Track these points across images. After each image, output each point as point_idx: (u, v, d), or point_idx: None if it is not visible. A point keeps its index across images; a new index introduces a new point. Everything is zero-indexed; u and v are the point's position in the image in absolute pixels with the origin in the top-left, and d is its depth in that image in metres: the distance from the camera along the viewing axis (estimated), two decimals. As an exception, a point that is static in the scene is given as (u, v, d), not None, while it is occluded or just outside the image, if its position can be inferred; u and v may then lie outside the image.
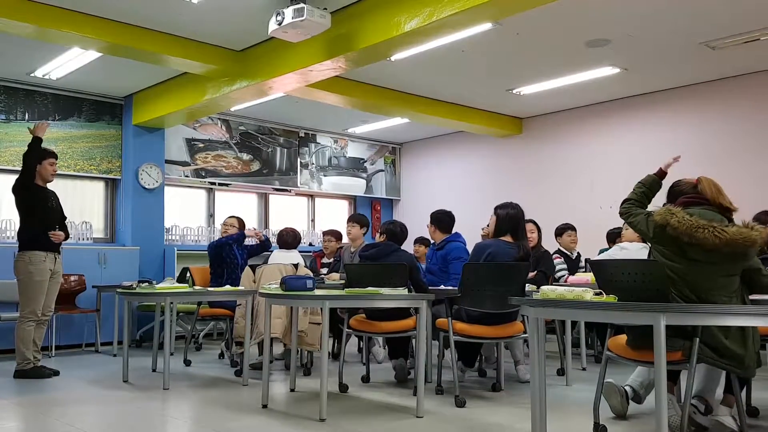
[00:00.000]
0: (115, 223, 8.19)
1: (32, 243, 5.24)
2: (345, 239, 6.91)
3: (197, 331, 7.42)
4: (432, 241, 5.81)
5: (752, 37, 6.08)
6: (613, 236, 6.25)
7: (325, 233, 7.23)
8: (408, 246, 7.93)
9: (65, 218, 5.64)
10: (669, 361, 2.90)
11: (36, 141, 5.29)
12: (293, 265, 5.55)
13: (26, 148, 5.31)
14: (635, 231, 3.49)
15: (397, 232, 5.08)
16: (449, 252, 5.46)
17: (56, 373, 5.38)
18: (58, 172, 7.51)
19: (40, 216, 5.31)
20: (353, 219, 6.53)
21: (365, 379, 5.13)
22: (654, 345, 2.57)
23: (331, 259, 7.03)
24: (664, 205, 3.31)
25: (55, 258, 5.39)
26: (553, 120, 9.00)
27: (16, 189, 5.31)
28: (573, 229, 6.73)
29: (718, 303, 3.05)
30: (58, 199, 5.60)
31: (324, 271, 6.81)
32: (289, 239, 5.94)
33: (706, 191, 3.30)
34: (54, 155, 5.50)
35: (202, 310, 6.24)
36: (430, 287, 5.22)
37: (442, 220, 5.58)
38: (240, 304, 5.52)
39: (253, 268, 5.69)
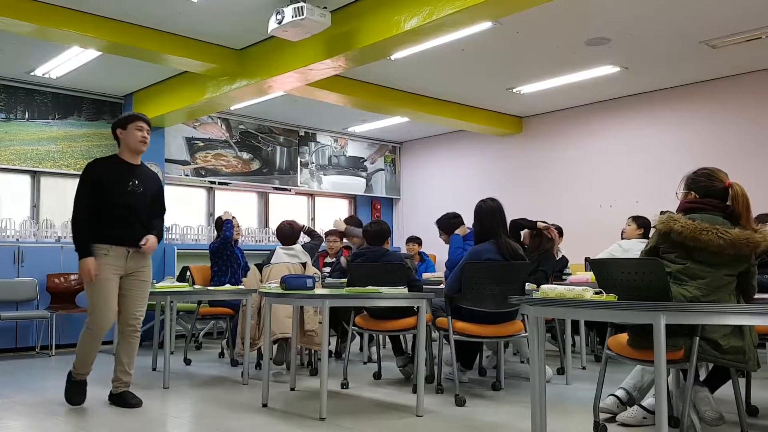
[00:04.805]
0: (115, 222, 8.16)
1: (94, 234, 4.09)
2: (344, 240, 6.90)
3: (197, 330, 7.42)
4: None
5: (752, 36, 6.08)
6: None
7: (328, 233, 7.18)
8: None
9: (163, 211, 4.41)
10: (670, 360, 2.90)
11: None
12: (301, 264, 5.48)
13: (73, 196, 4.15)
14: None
15: (378, 232, 5.08)
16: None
17: (138, 403, 4.25)
18: (59, 170, 7.59)
19: (107, 199, 4.11)
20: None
21: (377, 376, 5.18)
22: (654, 344, 2.56)
23: (334, 259, 7.01)
24: (663, 213, 3.29)
25: (128, 252, 4.16)
26: (553, 119, 9.00)
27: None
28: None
29: (722, 301, 3.07)
30: (152, 181, 4.32)
31: (327, 270, 6.78)
32: (287, 232, 5.65)
33: (733, 201, 3.21)
34: (142, 118, 4.22)
35: (202, 309, 6.25)
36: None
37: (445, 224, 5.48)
38: (245, 305, 5.45)
39: (260, 267, 5.65)
